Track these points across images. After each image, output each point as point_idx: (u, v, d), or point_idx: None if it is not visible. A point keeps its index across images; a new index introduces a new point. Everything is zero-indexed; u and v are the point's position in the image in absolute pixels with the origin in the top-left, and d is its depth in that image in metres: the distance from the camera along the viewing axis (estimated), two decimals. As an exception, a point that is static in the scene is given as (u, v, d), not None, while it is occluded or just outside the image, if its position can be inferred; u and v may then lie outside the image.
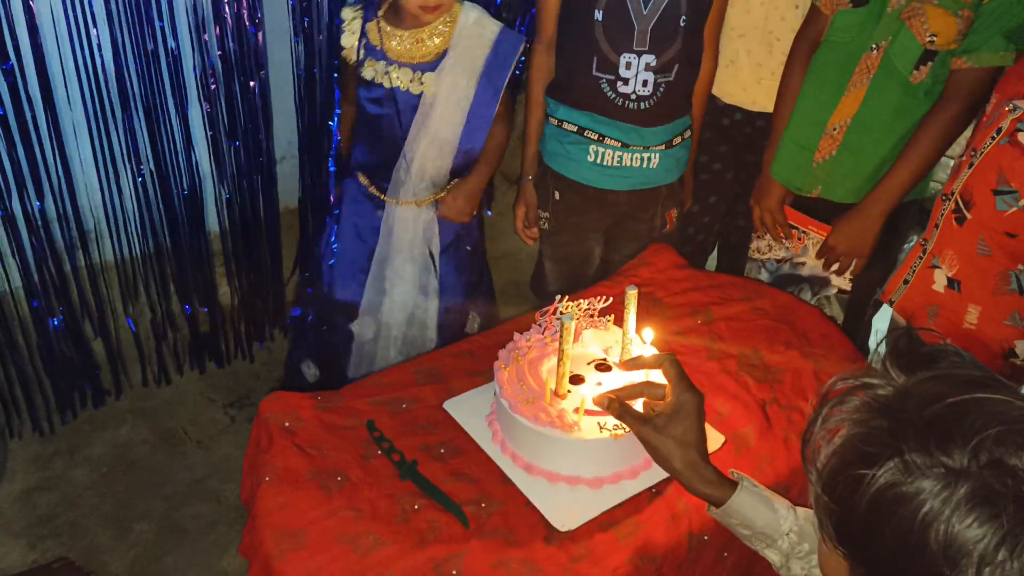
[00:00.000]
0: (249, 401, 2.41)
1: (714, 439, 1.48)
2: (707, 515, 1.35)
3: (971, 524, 0.58)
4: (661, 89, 1.83)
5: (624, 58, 1.78)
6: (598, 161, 1.91)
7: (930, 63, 1.66)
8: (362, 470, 1.40)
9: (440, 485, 1.38)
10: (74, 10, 1.85)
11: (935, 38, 1.63)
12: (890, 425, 0.64)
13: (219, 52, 2.05)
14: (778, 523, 1.14)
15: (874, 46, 1.69)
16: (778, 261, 1.98)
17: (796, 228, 1.92)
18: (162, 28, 1.97)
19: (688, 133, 1.98)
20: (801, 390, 1.59)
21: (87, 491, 2.13)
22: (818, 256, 1.88)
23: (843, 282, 1.90)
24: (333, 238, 2.03)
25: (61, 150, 1.98)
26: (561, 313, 1.44)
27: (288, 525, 1.30)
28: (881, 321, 2.04)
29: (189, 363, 2.47)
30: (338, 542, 1.28)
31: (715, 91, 2.07)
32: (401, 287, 2.04)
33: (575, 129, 1.90)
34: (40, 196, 1.98)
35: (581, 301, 1.48)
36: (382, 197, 1.99)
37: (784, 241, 1.95)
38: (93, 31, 1.89)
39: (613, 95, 1.83)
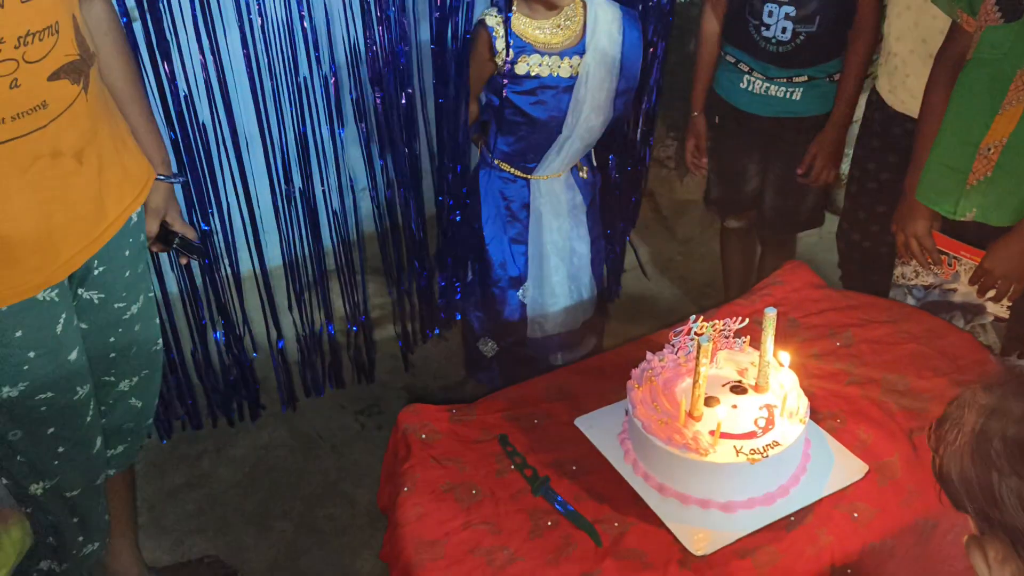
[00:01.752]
0: (378, 409, 2.49)
1: (856, 467, 1.43)
2: (850, 547, 1.31)
3: None
4: (801, 37, 2.07)
5: (767, 7, 2.07)
6: (748, 88, 2.20)
7: None
8: (496, 484, 1.43)
9: (572, 502, 1.39)
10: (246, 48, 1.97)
11: None
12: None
13: (369, 75, 2.13)
14: None
15: None
16: (926, 287, 1.89)
17: (946, 254, 1.82)
18: (317, 57, 2.06)
19: (837, 76, 2.15)
20: (951, 419, 1.51)
21: (231, 490, 2.26)
22: (972, 281, 1.77)
23: (1000, 309, 1.79)
24: (479, 224, 2.21)
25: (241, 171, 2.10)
26: (697, 334, 1.43)
27: (426, 535, 1.34)
28: None
29: (333, 380, 2.55)
30: (474, 554, 1.31)
31: (886, 96, 2.07)
32: (559, 250, 2.24)
33: (733, 61, 2.21)
34: (205, 217, 2.10)
35: (716, 322, 1.46)
36: (528, 177, 2.15)
37: (933, 267, 1.85)
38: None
39: (758, 38, 2.11)
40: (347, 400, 2.53)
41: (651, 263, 3.06)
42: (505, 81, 2.00)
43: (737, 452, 1.34)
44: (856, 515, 1.35)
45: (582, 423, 1.55)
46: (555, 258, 2.23)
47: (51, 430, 1.43)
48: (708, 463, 1.34)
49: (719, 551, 1.30)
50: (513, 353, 2.33)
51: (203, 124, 2.00)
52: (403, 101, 2.19)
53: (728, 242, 2.57)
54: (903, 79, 1.99)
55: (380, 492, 1.59)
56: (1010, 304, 1.77)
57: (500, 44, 1.96)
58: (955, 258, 1.81)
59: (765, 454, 1.33)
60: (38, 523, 1.52)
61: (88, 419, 1.48)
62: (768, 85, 2.16)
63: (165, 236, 1.64)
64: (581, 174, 2.22)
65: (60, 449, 1.45)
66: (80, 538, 1.56)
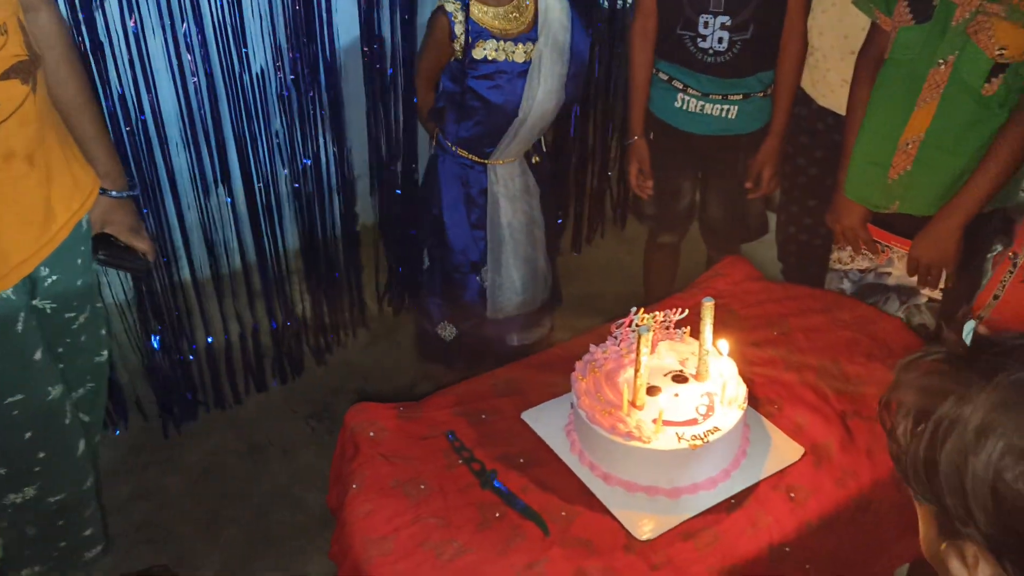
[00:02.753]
0: (328, 413, 2.49)
1: (793, 450, 1.48)
2: (788, 526, 1.35)
3: (988, 440, 0.65)
4: (737, 47, 2.07)
5: (703, 18, 2.06)
6: (683, 107, 2.19)
7: (1002, 75, 1.62)
8: (444, 479, 1.44)
9: (520, 494, 1.41)
10: (175, 40, 1.97)
11: (1004, 51, 1.59)
12: (941, 376, 0.71)
13: (291, 76, 2.15)
14: None
15: (941, 61, 1.66)
16: (861, 271, 1.95)
17: (879, 244, 1.90)
18: (246, 53, 2.07)
19: (771, 91, 2.16)
20: (883, 402, 1.56)
21: (180, 498, 2.23)
22: (908, 272, 1.85)
23: (934, 291, 1.87)
24: (440, 210, 2.25)
25: (167, 170, 2.10)
26: (637, 325, 1.46)
27: (375, 531, 1.35)
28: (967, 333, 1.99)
29: (274, 376, 2.56)
30: (423, 548, 1.32)
31: (809, 91, 2.12)
32: (516, 234, 2.29)
33: (666, 78, 2.20)
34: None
35: (656, 313, 1.50)
36: (485, 162, 2.20)
37: (867, 253, 1.92)
38: (187, 57, 2.00)
39: (695, 50, 2.10)
40: (297, 405, 2.52)
41: (598, 263, 3.11)
42: (463, 67, 2.05)
43: (679, 439, 1.37)
44: (793, 495, 1.39)
45: (528, 416, 1.57)
46: (513, 242, 2.28)
47: (28, 435, 1.40)
48: (651, 450, 1.37)
49: (663, 535, 1.34)
50: (471, 336, 2.38)
51: (133, 122, 1.99)
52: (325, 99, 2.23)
53: (654, 257, 2.58)
54: (824, 74, 2.06)
55: (329, 492, 1.59)
56: (942, 287, 1.85)
57: (459, 29, 2.03)
58: (888, 247, 1.88)
59: (706, 440, 1.37)
60: (13, 535, 1.48)
61: (67, 421, 1.46)
62: (703, 103, 2.17)
63: (96, 248, 1.61)
64: (533, 160, 2.27)
65: (41, 455, 1.42)
66: (63, 544, 1.53)
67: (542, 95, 2.08)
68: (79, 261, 1.48)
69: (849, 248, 1.94)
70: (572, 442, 1.50)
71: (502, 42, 2.05)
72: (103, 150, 1.57)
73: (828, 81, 2.06)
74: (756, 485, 1.41)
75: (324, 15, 2.16)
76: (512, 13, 2.06)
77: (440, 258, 2.32)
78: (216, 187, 2.22)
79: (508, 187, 2.24)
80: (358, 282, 2.66)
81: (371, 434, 1.51)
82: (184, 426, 2.42)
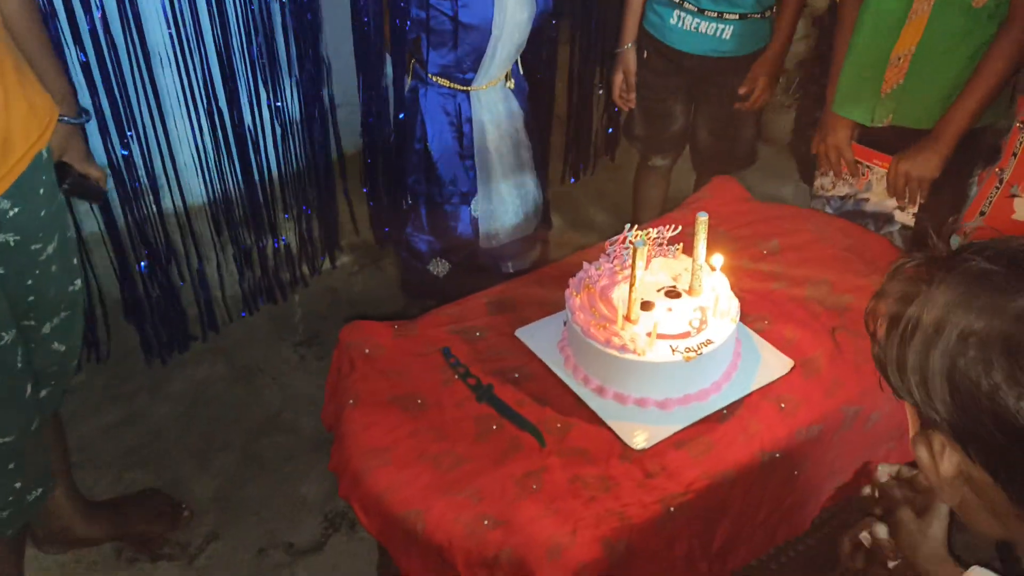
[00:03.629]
0: (318, 340, 2.49)
1: (782, 363, 1.51)
2: (779, 434, 1.39)
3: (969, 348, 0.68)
4: None
5: None
6: (678, 24, 2.18)
7: None
8: (441, 393, 1.46)
9: (516, 407, 1.43)
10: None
11: None
12: (924, 280, 0.74)
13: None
14: None
15: None
16: (842, 197, 1.97)
17: (860, 163, 1.91)
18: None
19: (769, 14, 2.15)
20: (870, 316, 1.59)
21: (170, 425, 2.24)
22: (888, 186, 1.87)
23: (907, 217, 1.89)
24: (425, 143, 2.20)
25: (151, 97, 2.05)
26: (632, 241, 1.46)
27: (373, 443, 1.37)
28: None
29: (261, 297, 2.56)
30: (421, 459, 1.34)
31: None
32: (504, 159, 2.26)
33: None
34: (126, 145, 2.06)
35: (650, 230, 1.51)
36: (467, 89, 2.14)
37: (847, 177, 1.94)
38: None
39: None
40: (287, 332, 2.52)
41: (586, 191, 3.10)
42: None
43: (673, 351, 1.39)
44: (783, 405, 1.42)
45: (523, 333, 1.58)
46: (502, 167, 2.25)
47: None
48: (645, 362, 1.39)
49: (657, 445, 1.37)
50: (464, 268, 2.35)
51: (116, 44, 1.94)
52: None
53: (644, 180, 2.58)
54: None
55: (325, 409, 1.60)
56: (915, 212, 1.87)
57: None
58: (868, 167, 1.89)
59: (699, 352, 1.39)
60: None
61: (18, 366, 1.44)
62: (699, 21, 2.15)
63: (60, 178, 1.58)
64: (508, 85, 2.21)
65: None
66: (18, 485, 1.53)
67: (513, 5, 2.01)
68: (41, 191, 1.45)
69: (831, 173, 1.95)
70: (566, 357, 1.51)
71: None
72: (56, 73, 1.53)
73: None
74: (747, 396, 1.44)
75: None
76: None
77: (428, 193, 2.27)
78: (200, 110, 2.18)
79: (493, 112, 2.20)
80: (334, 210, 2.63)
81: (366, 351, 1.52)
82: (172, 356, 2.42)
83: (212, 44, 2.12)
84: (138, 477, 2.11)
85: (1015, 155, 1.65)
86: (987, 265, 0.70)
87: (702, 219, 1.46)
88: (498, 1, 1.99)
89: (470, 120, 2.19)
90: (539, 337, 1.57)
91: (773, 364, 1.50)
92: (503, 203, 2.29)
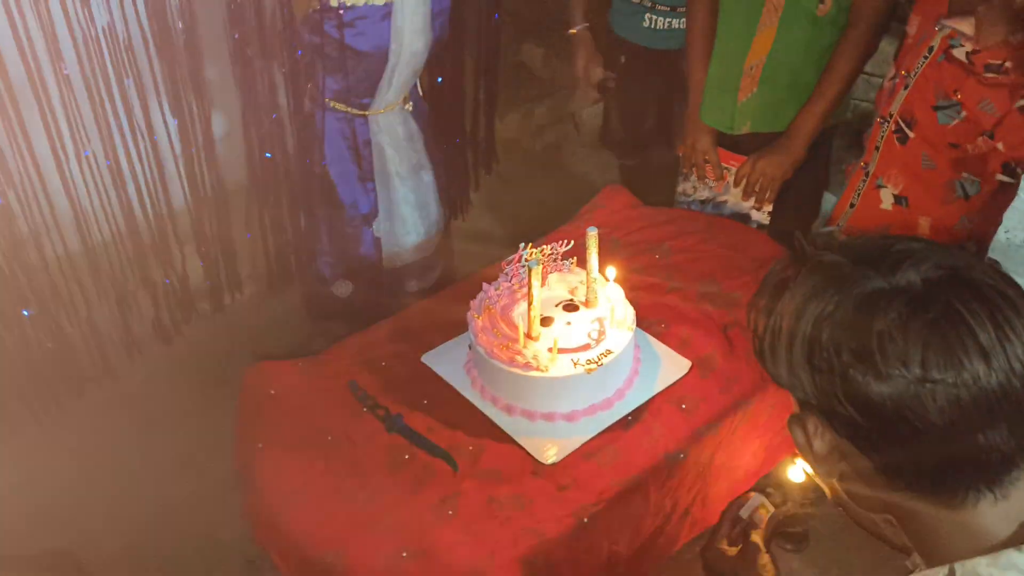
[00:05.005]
0: (224, 378, 2.43)
1: (680, 364, 1.57)
2: (681, 434, 1.44)
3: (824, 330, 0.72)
4: None
5: None
6: (651, 27, 2.22)
7: None
8: (350, 428, 1.46)
9: (426, 434, 1.45)
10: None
11: None
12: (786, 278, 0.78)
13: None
14: None
15: None
16: (702, 201, 2.07)
17: (723, 166, 2.01)
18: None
19: None
20: (758, 311, 1.67)
21: (75, 482, 2.15)
22: (736, 182, 1.96)
23: (762, 217, 2.00)
24: (324, 168, 2.19)
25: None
26: (526, 260, 1.50)
27: (285, 486, 1.36)
28: None
29: (159, 338, 2.49)
30: (335, 497, 1.34)
31: None
32: (404, 181, 2.26)
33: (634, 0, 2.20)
34: (2, 193, 1.97)
35: (544, 247, 1.54)
36: (364, 114, 2.13)
37: (708, 181, 2.03)
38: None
39: None
40: (191, 372, 2.46)
41: (479, 202, 3.13)
42: (321, 16, 1.94)
43: (575, 364, 1.43)
44: (684, 406, 1.48)
45: (429, 359, 1.60)
46: (403, 189, 2.26)
47: None
48: (549, 378, 1.42)
49: (567, 457, 1.40)
50: (368, 289, 2.35)
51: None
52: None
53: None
54: None
55: (235, 455, 1.58)
56: (770, 211, 1.97)
57: None
58: (727, 169, 1.99)
59: (600, 363, 1.44)
60: None
61: None
62: (671, 20, 2.19)
63: None
64: (407, 108, 2.22)
65: None
66: None
67: (409, 35, 2.02)
68: None
69: (693, 178, 2.04)
70: (473, 379, 1.54)
71: None
72: None
73: None
74: (650, 400, 1.50)
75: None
76: None
77: (329, 216, 2.26)
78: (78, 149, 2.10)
79: (391, 135, 2.20)
80: (229, 243, 2.59)
81: (272, 392, 1.51)
82: (70, 405, 2.32)
83: (81, 81, 2.05)
84: (42, 539, 2.03)
85: (877, 148, 1.76)
86: (836, 258, 0.76)
87: (592, 234, 1.50)
88: (394, 30, 1.99)
89: (368, 143, 2.19)
90: (445, 361, 1.59)
91: (672, 366, 1.56)
92: (404, 224, 2.30)
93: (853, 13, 1.76)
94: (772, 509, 1.16)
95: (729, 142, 1.98)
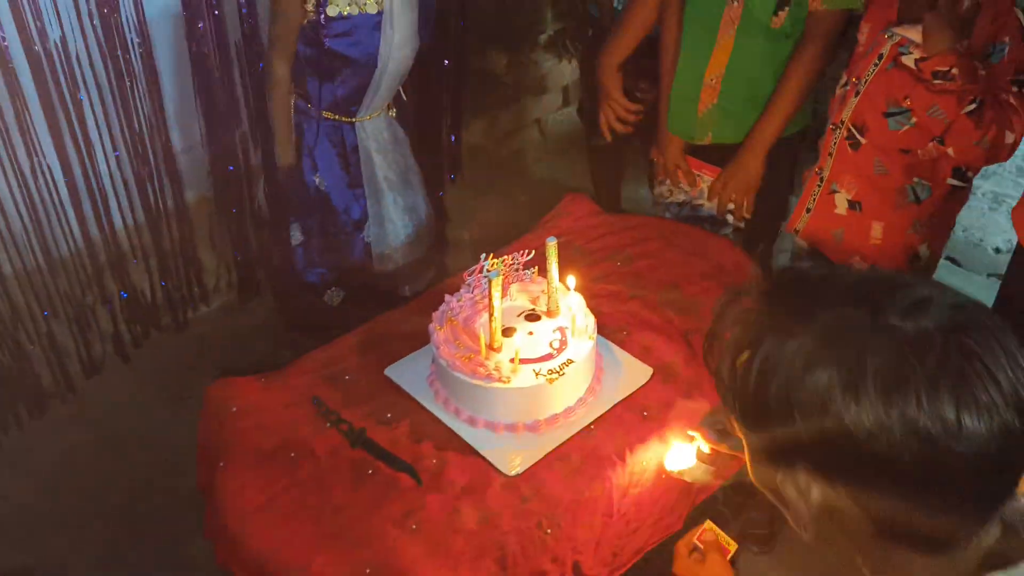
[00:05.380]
0: (189, 393, 2.41)
1: (642, 372, 1.58)
2: (644, 442, 1.45)
3: (815, 372, 0.67)
4: None
5: None
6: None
7: (787, 7, 1.76)
8: (314, 443, 1.45)
9: (390, 448, 1.44)
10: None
11: None
12: (758, 319, 0.74)
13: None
14: None
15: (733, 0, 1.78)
16: (679, 204, 2.09)
17: (694, 173, 2.04)
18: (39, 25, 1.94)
19: None
20: (719, 317, 1.69)
21: (37, 500, 2.13)
22: (710, 199, 2.00)
23: (738, 221, 2.02)
24: (317, 177, 2.23)
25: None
26: (487, 271, 1.50)
27: (248, 504, 1.35)
28: (782, 246, 2.18)
29: (115, 350, 2.47)
30: (299, 514, 1.34)
31: None
32: (393, 185, 2.30)
33: None
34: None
35: (505, 257, 1.55)
36: (352, 120, 2.18)
37: (683, 186, 2.06)
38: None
39: None
40: (154, 389, 2.44)
41: (452, 206, 3.13)
42: (317, 28, 2.01)
43: (536, 375, 1.44)
44: (646, 413, 1.50)
45: (392, 372, 1.60)
46: (392, 193, 2.29)
47: None
48: (511, 389, 1.43)
49: (530, 468, 1.41)
50: (360, 295, 2.38)
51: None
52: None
53: (595, 158, 2.69)
54: None
55: (198, 473, 1.57)
56: (746, 217, 2.00)
57: None
58: (699, 176, 2.02)
59: (561, 372, 1.44)
60: None
61: None
62: None
63: None
64: (391, 113, 2.28)
65: None
66: None
67: (398, 42, 2.07)
68: None
69: (668, 181, 2.07)
70: (436, 391, 1.54)
71: None
72: None
73: None
74: (612, 408, 1.51)
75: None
76: None
77: (320, 224, 2.30)
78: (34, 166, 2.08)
79: (378, 141, 2.26)
80: (194, 258, 2.57)
81: (234, 408, 1.50)
82: (34, 426, 2.30)
83: (36, 97, 2.03)
84: (8, 556, 2.00)
85: (831, 155, 1.79)
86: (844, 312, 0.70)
87: (551, 244, 1.51)
88: (384, 38, 2.05)
89: (356, 150, 2.23)
90: (408, 374, 1.59)
91: (634, 374, 1.58)
92: (394, 225, 2.34)
93: (807, 26, 1.79)
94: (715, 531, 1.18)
95: (697, 150, 2.00)
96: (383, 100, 2.21)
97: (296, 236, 2.31)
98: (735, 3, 1.78)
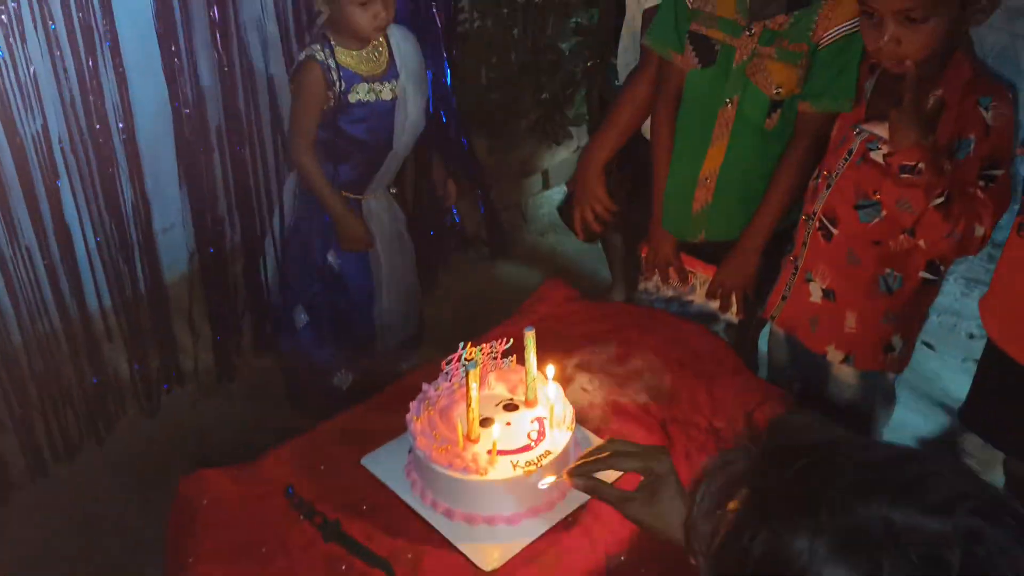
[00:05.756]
0: (163, 479, 2.36)
1: (621, 462, 1.57)
2: (622, 535, 1.43)
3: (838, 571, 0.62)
4: None
5: None
6: None
7: (779, 109, 1.81)
8: (286, 537, 1.42)
9: (365, 542, 1.41)
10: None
11: (780, 90, 1.78)
12: (754, 499, 0.69)
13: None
14: None
15: (727, 100, 1.83)
16: (667, 299, 2.10)
17: (686, 270, 2.06)
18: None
19: None
20: (697, 406, 1.69)
21: (-1, 593, 2.06)
22: (708, 296, 2.01)
23: (731, 317, 2.03)
24: (330, 255, 2.33)
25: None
26: (465, 360, 1.50)
27: (217, 603, 1.31)
28: (764, 337, 2.19)
29: (86, 433, 2.43)
30: (270, 613, 1.30)
31: None
32: (395, 259, 2.41)
33: None
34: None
35: (483, 345, 1.55)
36: (361, 198, 2.30)
37: (674, 283, 2.07)
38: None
39: None
40: (128, 473, 2.39)
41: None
42: (335, 113, 2.13)
43: (514, 467, 1.43)
44: (624, 506, 1.48)
45: (368, 461, 1.57)
46: (391, 267, 2.38)
47: None
48: (488, 482, 1.41)
49: (508, 562, 1.38)
50: (367, 375, 2.41)
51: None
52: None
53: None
54: None
55: (166, 569, 1.53)
56: (741, 315, 2.01)
57: (334, 76, 2.10)
58: (691, 272, 2.04)
59: (539, 464, 1.43)
60: None
61: None
62: None
63: None
64: (391, 191, 2.41)
65: None
66: None
67: (410, 126, 2.21)
68: None
69: (656, 277, 2.08)
70: (413, 482, 1.52)
71: (371, 83, 2.15)
72: None
73: None
74: (589, 500, 1.49)
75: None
76: (371, 56, 2.16)
77: (330, 304, 2.35)
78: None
79: (381, 218, 2.35)
80: (172, 339, 2.56)
81: (204, 502, 1.47)
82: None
83: (16, 178, 2.05)
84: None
85: (805, 244, 1.82)
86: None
87: (529, 333, 1.52)
88: (398, 122, 2.18)
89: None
90: (385, 464, 1.57)
91: (612, 464, 1.56)
92: (397, 303, 2.41)
93: (797, 126, 1.83)
94: None
95: (689, 247, 2.03)
96: (387, 180, 2.32)
97: (301, 318, 2.36)
98: (729, 105, 1.83)
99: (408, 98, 2.18)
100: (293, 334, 2.40)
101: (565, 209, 2.47)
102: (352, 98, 2.12)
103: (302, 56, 2.10)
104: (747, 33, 1.77)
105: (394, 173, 2.34)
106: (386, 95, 2.16)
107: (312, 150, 2.16)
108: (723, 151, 1.87)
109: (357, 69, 2.13)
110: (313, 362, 2.40)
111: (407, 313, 2.50)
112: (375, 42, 2.16)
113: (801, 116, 1.82)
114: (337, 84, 2.10)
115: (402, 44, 2.20)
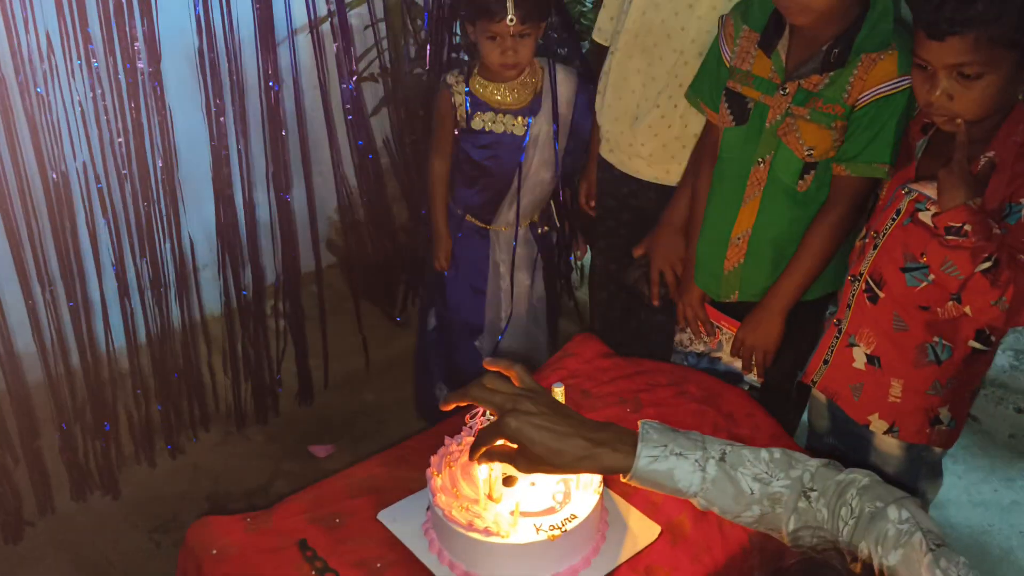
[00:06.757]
0: (175, 524, 2.32)
1: (649, 529, 1.49)
2: (648, 609, 1.35)
3: None
4: None
5: None
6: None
7: (813, 171, 1.76)
8: (296, 594, 1.36)
9: (378, 602, 1.35)
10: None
11: (812, 151, 1.74)
12: None
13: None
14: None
15: (760, 160, 1.79)
16: (698, 355, 2.05)
17: (712, 324, 2.01)
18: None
19: None
20: (731, 472, 1.61)
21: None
22: (732, 352, 1.95)
23: (754, 378, 1.96)
24: (448, 271, 2.39)
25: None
26: (490, 415, 1.44)
27: (219, 661, 1.25)
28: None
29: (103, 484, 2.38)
30: (273, 675, 1.23)
31: (607, 156, 2.20)
32: (516, 304, 2.39)
33: None
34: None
35: (510, 401, 1.49)
36: (488, 227, 2.34)
37: (703, 336, 2.02)
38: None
39: None
40: (140, 518, 2.34)
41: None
42: (458, 134, 2.22)
43: (537, 530, 1.36)
44: (652, 577, 1.40)
45: (385, 517, 1.51)
46: (508, 311, 2.37)
47: None
48: (510, 544, 1.34)
49: (527, 632, 1.30)
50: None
51: None
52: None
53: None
54: (616, 144, 2.16)
55: (171, 619, 1.47)
56: (762, 378, 1.94)
57: (458, 100, 2.19)
58: (718, 327, 1.98)
59: (563, 528, 1.36)
60: None
61: None
62: None
63: None
64: (540, 230, 2.39)
65: None
66: None
67: (536, 166, 2.22)
68: None
69: (688, 330, 2.03)
70: (430, 540, 1.45)
71: (500, 114, 2.18)
72: None
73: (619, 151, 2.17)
74: (616, 569, 1.41)
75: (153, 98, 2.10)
76: (515, 88, 2.19)
77: (444, 319, 2.41)
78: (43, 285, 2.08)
79: (508, 254, 2.35)
80: (199, 381, 2.54)
81: (213, 551, 1.41)
82: (10, 552, 2.20)
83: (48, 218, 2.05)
84: None
85: (849, 306, 1.75)
86: None
87: (558, 391, 1.45)
88: (526, 159, 2.21)
89: (487, 258, 2.35)
90: (402, 520, 1.50)
91: (640, 531, 1.48)
92: (507, 348, 2.37)
93: (832, 190, 1.78)
94: None
95: (722, 304, 1.98)
96: (521, 215, 2.30)
97: (431, 321, 2.45)
98: (761, 164, 1.79)
99: (541, 137, 2.19)
100: (423, 333, 2.49)
101: (632, 272, 2.26)
102: (476, 124, 2.19)
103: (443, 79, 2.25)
104: (781, 92, 1.74)
105: (526, 212, 2.30)
106: (518, 130, 2.18)
107: (442, 161, 2.27)
108: (755, 212, 1.82)
109: (489, 98, 2.18)
110: (426, 367, 2.48)
111: (527, 354, 2.43)
112: (525, 74, 2.18)
113: (836, 180, 1.77)
114: (460, 108, 2.18)
115: (560, 81, 2.20)
